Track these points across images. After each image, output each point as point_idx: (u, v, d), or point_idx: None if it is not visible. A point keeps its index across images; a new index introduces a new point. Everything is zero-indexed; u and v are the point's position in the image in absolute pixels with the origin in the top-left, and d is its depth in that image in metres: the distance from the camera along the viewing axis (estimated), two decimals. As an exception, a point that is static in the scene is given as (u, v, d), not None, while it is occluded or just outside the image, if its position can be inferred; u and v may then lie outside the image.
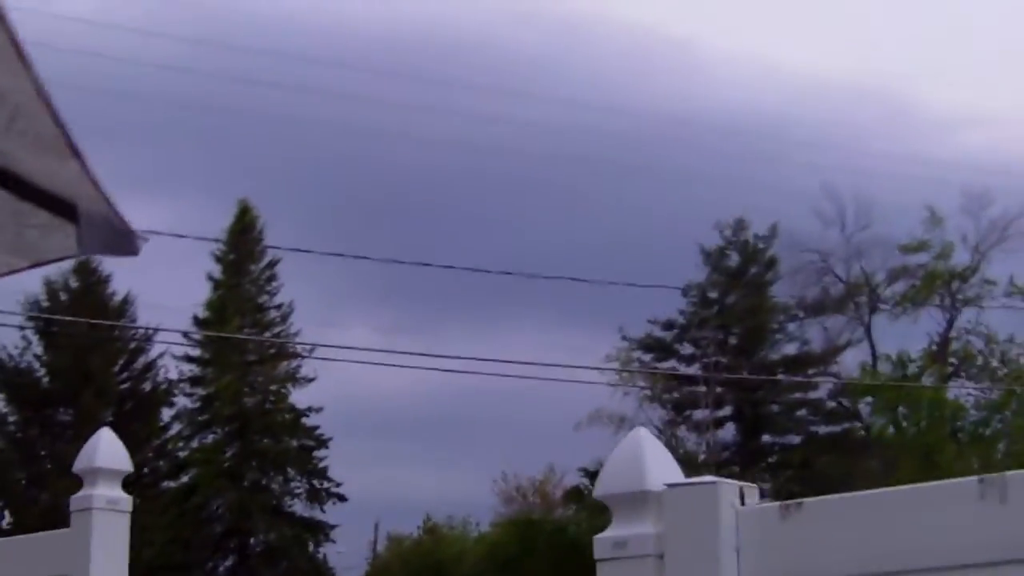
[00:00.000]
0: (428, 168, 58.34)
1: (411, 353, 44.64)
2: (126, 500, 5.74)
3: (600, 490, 3.54)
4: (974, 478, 2.74)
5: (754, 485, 3.29)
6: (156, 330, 42.75)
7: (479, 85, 57.96)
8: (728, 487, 3.26)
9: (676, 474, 3.44)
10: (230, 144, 57.09)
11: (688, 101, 60.72)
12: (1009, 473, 2.71)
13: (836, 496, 3.14)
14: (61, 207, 2.40)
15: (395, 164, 57.86)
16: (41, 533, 6.23)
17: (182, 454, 44.94)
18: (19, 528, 38.41)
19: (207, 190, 60.64)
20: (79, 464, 5.78)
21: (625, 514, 3.45)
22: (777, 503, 3.15)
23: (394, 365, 31.66)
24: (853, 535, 2.93)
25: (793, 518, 3.07)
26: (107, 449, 5.79)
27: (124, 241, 2.53)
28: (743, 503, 3.23)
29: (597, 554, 3.47)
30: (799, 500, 3.07)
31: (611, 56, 62.27)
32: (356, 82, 55.34)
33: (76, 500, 5.74)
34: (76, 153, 2.17)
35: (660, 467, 3.41)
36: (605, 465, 3.58)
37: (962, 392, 45.01)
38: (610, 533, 3.50)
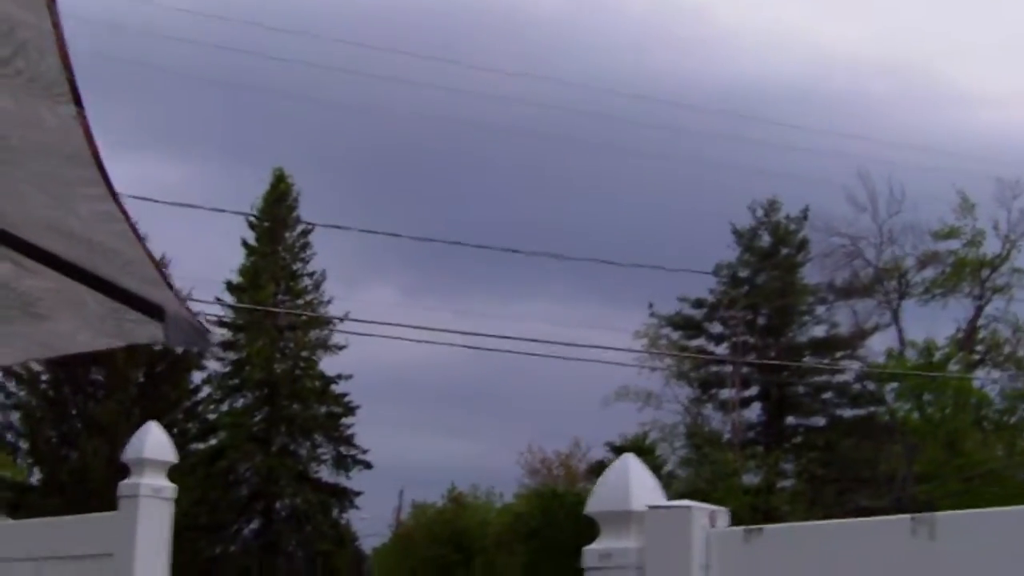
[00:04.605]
0: (453, 147, 58.79)
1: (441, 330, 45.03)
2: (170, 489, 6.22)
3: (590, 507, 4.00)
4: (907, 516, 3.17)
5: (724, 509, 3.74)
6: (189, 297, 43.14)
7: (499, 65, 58.22)
8: (700, 511, 3.71)
9: (658, 497, 3.90)
10: (261, 117, 57.77)
11: (713, 74, 60.74)
12: (938, 513, 3.14)
13: (790, 524, 3.57)
14: (153, 310, 3.06)
15: (419, 141, 58.36)
16: (90, 515, 6.71)
17: (211, 417, 45.56)
18: (49, 486, 39.13)
19: (239, 156, 61.47)
20: (127, 454, 6.26)
21: (611, 529, 3.92)
22: (741, 528, 3.60)
23: (423, 341, 32.06)
24: (803, 559, 3.37)
25: (754, 542, 3.52)
26: (154, 441, 6.26)
27: (199, 338, 3.23)
28: (713, 525, 3.68)
29: (585, 563, 3.95)
30: (760, 527, 3.51)
31: (625, 27, 62.32)
32: (382, 62, 55.76)
33: (124, 487, 6.22)
34: (169, 286, 2.86)
35: (644, 490, 3.87)
36: (596, 485, 4.05)
37: (988, 380, 45.16)
38: (597, 546, 3.97)
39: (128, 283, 2.98)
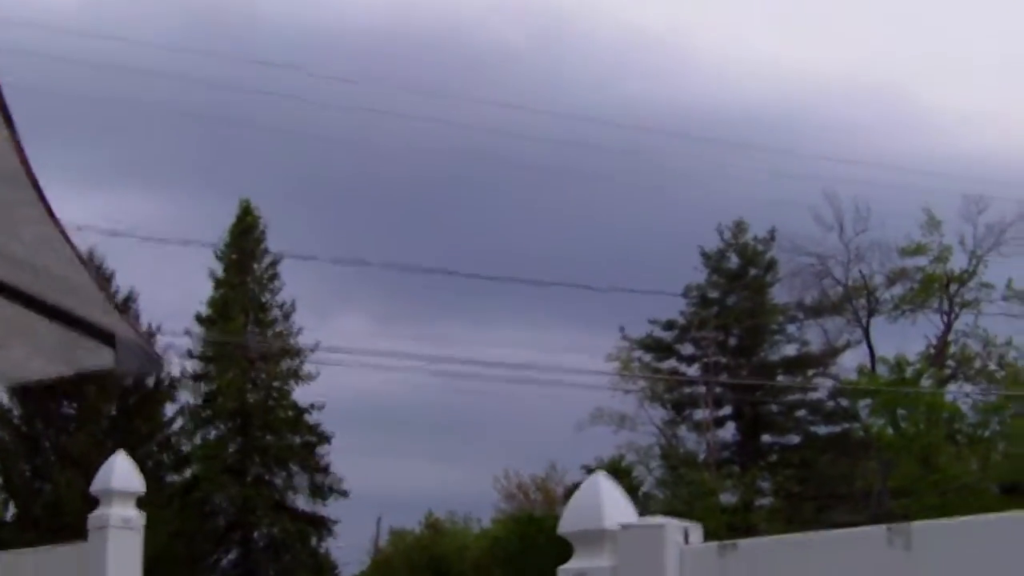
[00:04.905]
0: (429, 173, 58.80)
1: (414, 356, 45.02)
2: (139, 518, 6.15)
3: (563, 527, 3.97)
4: (883, 527, 3.15)
5: (698, 525, 3.71)
6: (158, 332, 42.77)
7: (471, 93, 58.25)
8: (674, 527, 3.68)
9: (630, 515, 3.87)
10: (228, 148, 57.70)
11: (683, 100, 61.03)
12: (914, 523, 3.12)
13: (765, 538, 3.55)
14: (103, 336, 3.02)
15: (392, 169, 58.36)
16: (61, 546, 6.64)
17: (185, 449, 45.27)
18: (23, 520, 38.81)
19: (208, 189, 61.37)
20: (95, 485, 6.20)
21: (585, 548, 3.89)
22: (715, 543, 3.57)
23: (396, 369, 31.98)
24: (780, 573, 3.34)
25: (729, 556, 3.49)
26: (121, 471, 6.20)
27: (151, 363, 3.20)
28: (687, 542, 3.65)
29: (560, 583, 3.92)
30: (734, 541, 3.49)
31: (601, 54, 62.57)
32: (353, 92, 55.55)
33: (93, 518, 6.16)
34: (117, 309, 2.83)
35: (616, 508, 3.85)
36: (568, 505, 4.02)
37: (960, 394, 45.35)
38: (572, 565, 3.94)
39: (77, 309, 2.96)
